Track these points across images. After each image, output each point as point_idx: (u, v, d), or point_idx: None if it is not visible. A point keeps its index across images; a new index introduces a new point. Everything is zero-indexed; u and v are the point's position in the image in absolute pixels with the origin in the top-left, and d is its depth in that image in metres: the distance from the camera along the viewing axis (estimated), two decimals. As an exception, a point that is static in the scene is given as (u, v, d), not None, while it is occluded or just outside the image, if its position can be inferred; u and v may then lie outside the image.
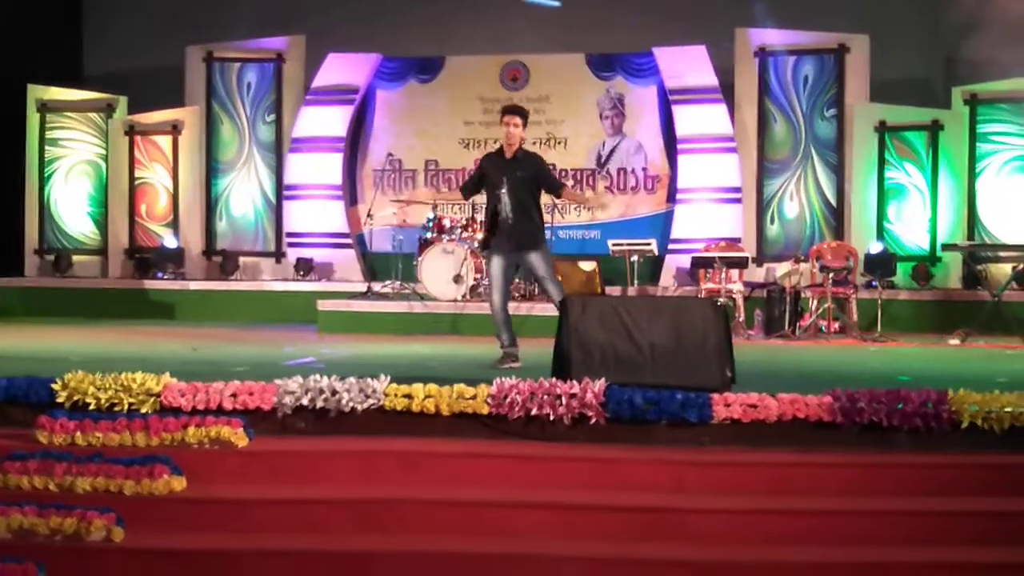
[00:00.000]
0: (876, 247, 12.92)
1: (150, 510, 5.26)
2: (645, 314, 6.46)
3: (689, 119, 13.75)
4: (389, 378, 6.04)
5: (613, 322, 6.43)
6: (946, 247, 12.07)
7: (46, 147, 14.93)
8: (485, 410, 5.88)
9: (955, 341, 10.73)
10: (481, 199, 8.72)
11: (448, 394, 5.91)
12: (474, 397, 5.90)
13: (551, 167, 13.92)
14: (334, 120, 14.49)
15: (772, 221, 13.83)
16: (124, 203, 14.84)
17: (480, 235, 11.65)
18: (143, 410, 5.88)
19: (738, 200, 13.69)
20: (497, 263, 8.05)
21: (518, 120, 8.12)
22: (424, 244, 12.06)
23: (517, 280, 11.22)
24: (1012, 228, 12.74)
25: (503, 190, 8.02)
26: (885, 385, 6.14)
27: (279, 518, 5.30)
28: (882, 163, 13.40)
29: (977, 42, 11.56)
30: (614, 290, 12.47)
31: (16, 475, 5.36)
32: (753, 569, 5.03)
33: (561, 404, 5.85)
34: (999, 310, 10.96)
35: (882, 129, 13.36)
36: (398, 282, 12.36)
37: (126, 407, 5.89)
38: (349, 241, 14.52)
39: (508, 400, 5.87)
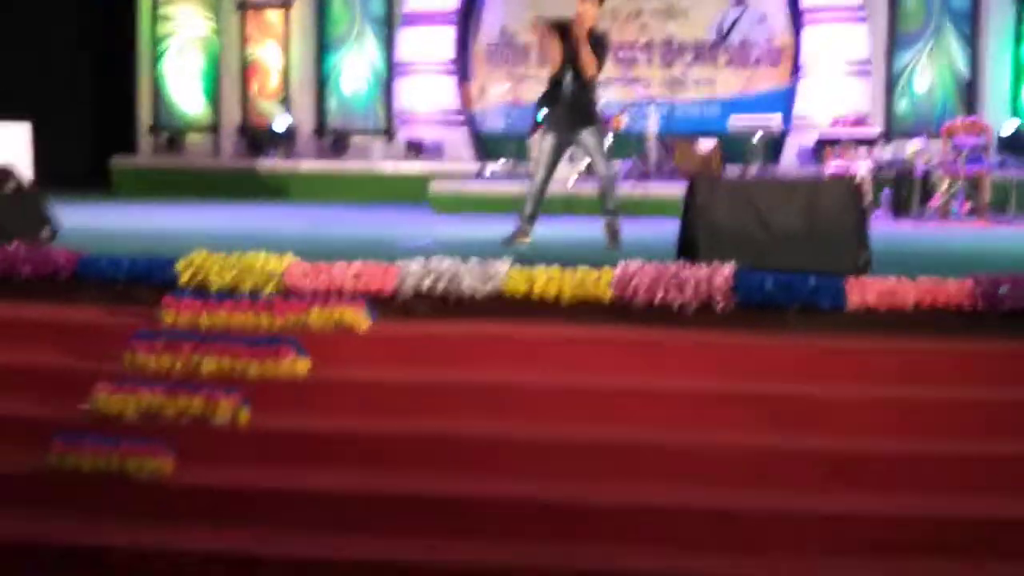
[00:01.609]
0: (1011, 125, 12.31)
1: (275, 392, 5.24)
2: (777, 195, 6.18)
3: (817, -14, 13.11)
4: (511, 260, 5.89)
5: (742, 204, 6.14)
6: (1086, 123, 11.46)
7: (157, 24, 14.92)
8: (608, 295, 5.70)
9: (1096, 224, 10.22)
10: None
11: (570, 278, 5.74)
12: (597, 281, 5.73)
13: (669, 39, 13.71)
14: (445, -9, 14.12)
15: (902, 96, 13.25)
16: (236, 81, 14.82)
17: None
18: (265, 291, 5.80)
19: (867, 73, 13.09)
20: (551, 141, 8.01)
21: (589, 4, 7.88)
22: (538, 122, 11.79)
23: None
24: None
25: (570, 68, 7.88)
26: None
27: (403, 401, 5.26)
28: (1019, 36, 12.71)
29: None
30: (733, 170, 12.10)
31: (144, 354, 5.37)
32: (892, 461, 4.87)
33: (688, 289, 5.64)
34: None
35: (1020, -2, 12.67)
36: (511, 161, 12.14)
37: (247, 288, 5.84)
38: (461, 119, 14.27)
39: (632, 284, 5.67)
